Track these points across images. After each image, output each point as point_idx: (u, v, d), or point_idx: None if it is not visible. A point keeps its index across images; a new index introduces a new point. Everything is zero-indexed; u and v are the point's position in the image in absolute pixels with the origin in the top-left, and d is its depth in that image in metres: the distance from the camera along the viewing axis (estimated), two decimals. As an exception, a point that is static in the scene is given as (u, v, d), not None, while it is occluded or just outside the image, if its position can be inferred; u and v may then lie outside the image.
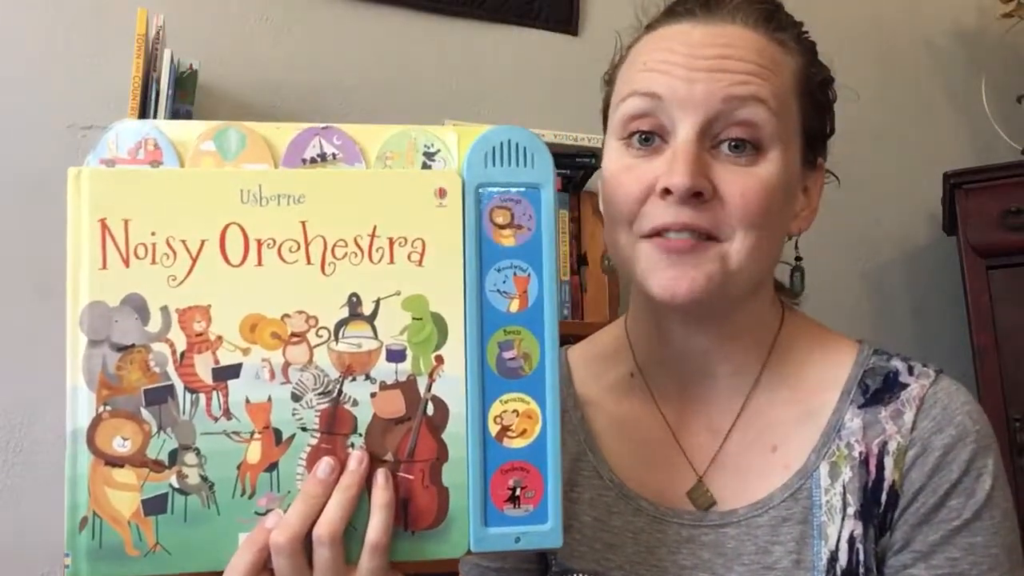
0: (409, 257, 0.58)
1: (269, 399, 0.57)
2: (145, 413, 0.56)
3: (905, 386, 0.71)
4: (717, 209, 0.67)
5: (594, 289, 1.39)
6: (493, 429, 0.59)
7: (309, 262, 0.57)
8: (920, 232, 2.00)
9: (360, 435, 0.57)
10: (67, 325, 0.56)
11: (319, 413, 0.57)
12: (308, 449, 0.57)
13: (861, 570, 0.68)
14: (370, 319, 0.58)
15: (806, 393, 0.74)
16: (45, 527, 1.41)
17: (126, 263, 0.56)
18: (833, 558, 0.68)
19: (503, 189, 0.60)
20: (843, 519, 0.69)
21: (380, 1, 1.77)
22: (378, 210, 0.58)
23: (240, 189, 0.57)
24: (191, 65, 1.44)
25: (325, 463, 0.56)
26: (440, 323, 0.58)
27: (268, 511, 0.56)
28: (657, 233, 0.68)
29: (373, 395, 0.58)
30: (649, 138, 0.68)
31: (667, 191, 0.65)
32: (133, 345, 0.56)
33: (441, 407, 0.58)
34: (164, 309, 0.56)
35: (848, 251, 2.01)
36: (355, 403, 0.57)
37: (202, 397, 0.56)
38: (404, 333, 0.58)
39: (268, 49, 1.69)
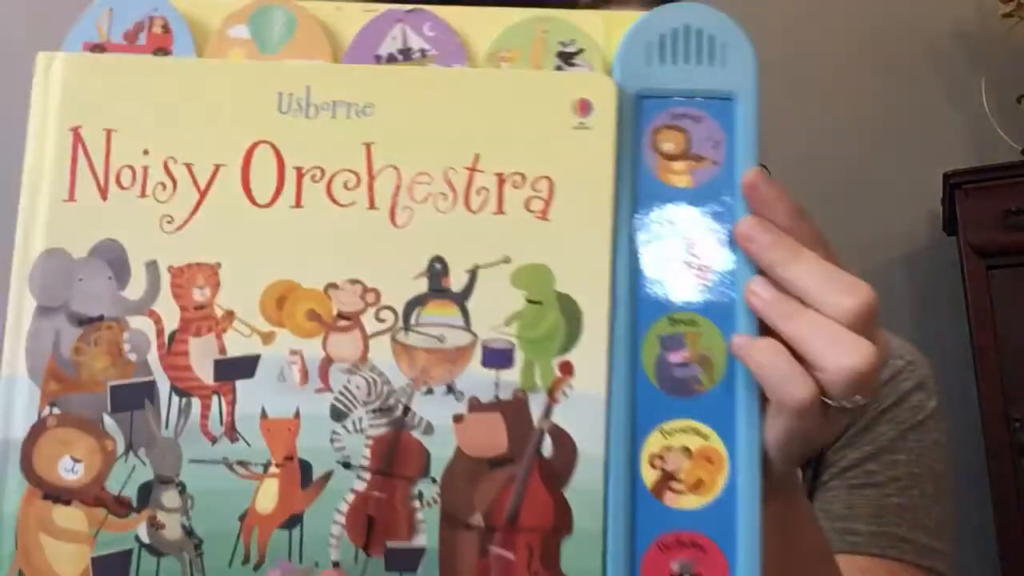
0: (528, 205, 0.35)
1: (296, 414, 0.34)
2: (109, 422, 0.34)
3: None
4: None
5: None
6: (649, 477, 0.34)
7: (372, 205, 0.35)
8: (920, 232, 1.86)
9: (433, 480, 0.34)
10: (11, 282, 0.36)
11: (372, 441, 0.34)
12: (351, 497, 0.34)
13: None
14: (460, 298, 0.35)
15: None
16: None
17: (103, 194, 0.35)
18: None
19: (675, 98, 0.36)
20: None
21: (380, 1, 1.65)
22: (483, 131, 0.35)
23: (279, 91, 0.35)
24: None
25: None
26: (571, 310, 0.34)
27: (283, 593, 0.33)
28: None
29: (458, 419, 0.34)
30: None
31: None
32: (102, 317, 0.34)
33: (565, 444, 0.34)
34: (151, 265, 0.34)
35: (848, 251, 1.75)
36: (428, 429, 0.34)
37: (196, 403, 0.34)
38: (513, 324, 0.34)
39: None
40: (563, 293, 0.34)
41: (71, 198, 0.35)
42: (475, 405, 0.34)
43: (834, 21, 1.84)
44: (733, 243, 0.35)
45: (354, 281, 0.34)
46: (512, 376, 0.34)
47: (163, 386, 0.34)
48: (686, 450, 0.35)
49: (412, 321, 0.34)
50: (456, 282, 0.34)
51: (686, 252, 0.35)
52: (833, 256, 0.35)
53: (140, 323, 0.34)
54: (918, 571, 0.57)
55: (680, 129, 0.36)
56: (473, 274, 0.34)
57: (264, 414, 0.34)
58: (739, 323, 0.35)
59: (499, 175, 0.35)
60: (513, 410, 0.34)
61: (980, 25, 1.81)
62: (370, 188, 0.35)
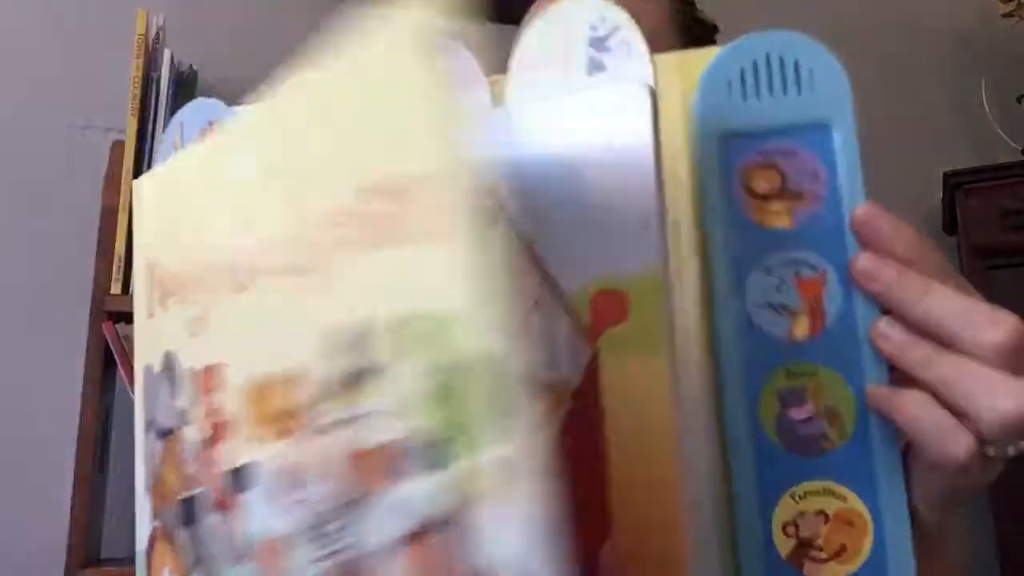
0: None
1: (281, 534, 0.30)
2: (182, 536, 0.34)
3: None
4: None
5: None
6: (784, 547, 0.31)
7: (308, 268, 0.28)
8: (920, 232, 1.48)
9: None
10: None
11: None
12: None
13: None
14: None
15: None
16: (45, 529, 1.29)
17: (163, 304, 0.35)
18: None
19: (764, 134, 0.32)
20: None
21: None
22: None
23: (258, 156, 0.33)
24: (191, 65, 1.32)
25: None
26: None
27: None
28: None
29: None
30: None
31: None
32: (171, 430, 0.35)
33: None
34: (189, 371, 0.34)
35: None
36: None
37: (228, 517, 0.33)
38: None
39: (268, 49, 1.52)
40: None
41: (150, 314, 0.35)
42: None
43: (834, 21, 1.77)
44: (847, 282, 0.31)
45: (300, 365, 0.30)
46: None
47: (208, 497, 0.33)
48: (822, 514, 0.31)
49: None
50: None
51: (795, 297, 0.31)
52: (965, 288, 0.30)
53: (190, 432, 0.34)
54: None
55: (773, 166, 0.32)
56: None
57: (261, 533, 0.31)
58: (866, 370, 0.31)
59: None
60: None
61: (980, 25, 1.80)
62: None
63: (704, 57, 0.33)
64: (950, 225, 1.61)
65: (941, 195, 1.62)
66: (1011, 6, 1.64)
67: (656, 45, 0.54)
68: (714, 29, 0.62)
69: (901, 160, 1.87)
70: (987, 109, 1.69)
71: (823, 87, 0.32)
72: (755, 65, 0.33)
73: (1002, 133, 1.68)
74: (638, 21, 0.54)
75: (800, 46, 0.33)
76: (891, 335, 0.30)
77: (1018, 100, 1.68)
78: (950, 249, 1.64)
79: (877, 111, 1.92)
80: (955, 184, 1.52)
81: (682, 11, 0.60)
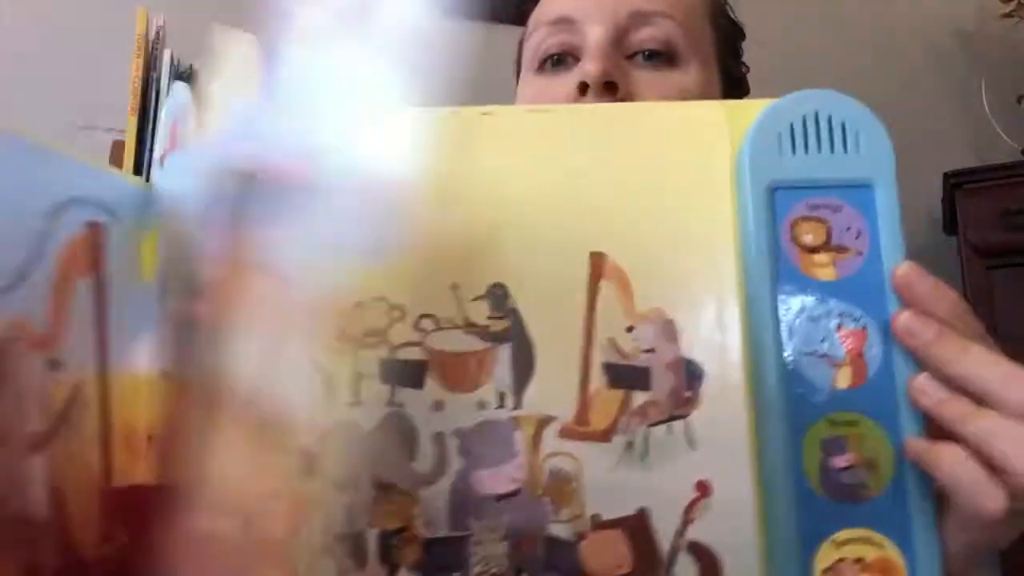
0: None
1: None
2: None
3: None
4: None
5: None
6: None
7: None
8: (920, 232, 1.79)
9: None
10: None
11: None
12: None
13: None
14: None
15: None
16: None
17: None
18: None
19: (811, 188, 0.34)
20: None
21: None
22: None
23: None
24: (191, 65, 1.31)
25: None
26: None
27: None
28: None
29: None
30: (562, 59, 0.57)
31: (582, 87, 0.54)
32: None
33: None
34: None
35: (844, 252, 1.61)
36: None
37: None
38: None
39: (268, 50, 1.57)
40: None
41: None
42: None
43: (834, 21, 1.83)
44: (888, 337, 0.32)
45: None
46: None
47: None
48: (859, 561, 0.32)
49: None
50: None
51: (838, 348, 0.33)
52: (997, 350, 0.32)
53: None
54: None
55: (819, 220, 0.34)
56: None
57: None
58: (903, 423, 0.32)
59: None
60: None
61: (980, 25, 1.81)
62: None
63: (751, 109, 0.35)
64: (950, 225, 1.59)
65: (941, 195, 1.61)
66: (1011, 6, 1.64)
67: (690, 32, 0.55)
68: (742, 33, 0.64)
69: (901, 160, 1.99)
70: (987, 109, 1.69)
71: (867, 148, 0.35)
72: (804, 120, 0.35)
73: (1002, 133, 1.67)
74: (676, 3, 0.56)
75: (847, 108, 0.35)
76: (928, 390, 0.31)
77: (1018, 100, 1.68)
78: (950, 249, 1.63)
79: (877, 111, 2.16)
80: (955, 184, 1.51)
81: (717, 3, 0.62)
